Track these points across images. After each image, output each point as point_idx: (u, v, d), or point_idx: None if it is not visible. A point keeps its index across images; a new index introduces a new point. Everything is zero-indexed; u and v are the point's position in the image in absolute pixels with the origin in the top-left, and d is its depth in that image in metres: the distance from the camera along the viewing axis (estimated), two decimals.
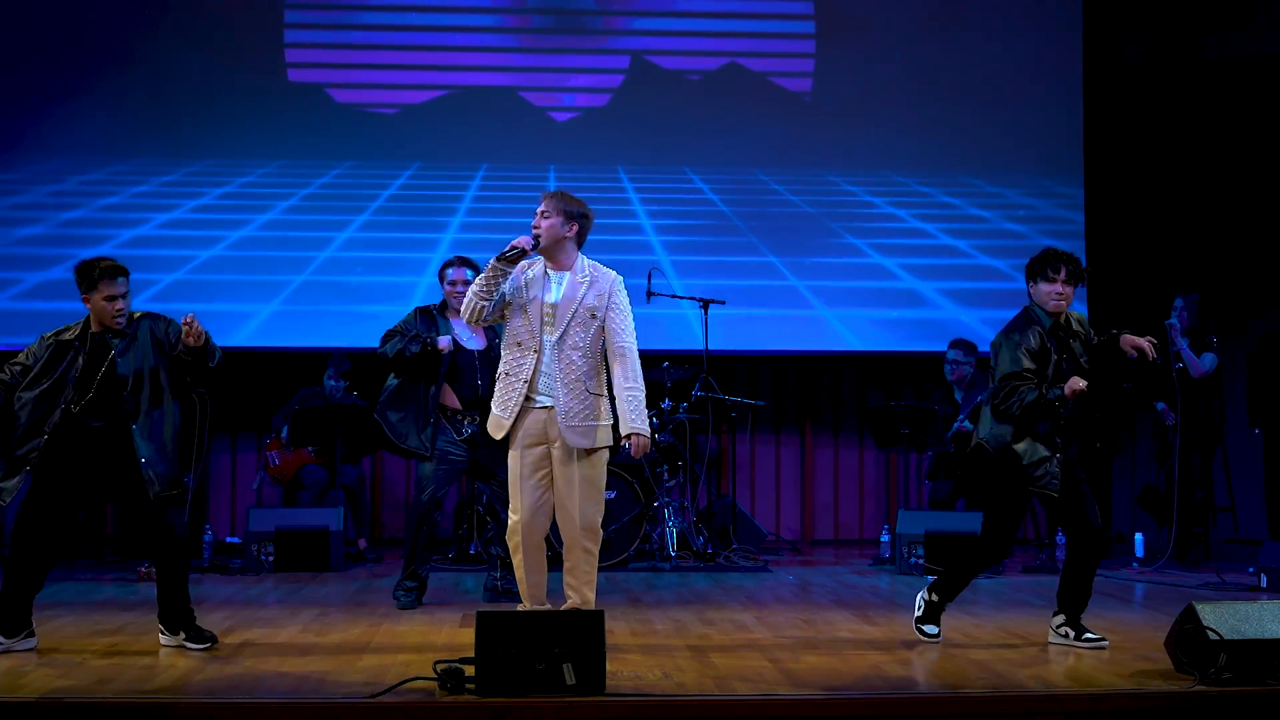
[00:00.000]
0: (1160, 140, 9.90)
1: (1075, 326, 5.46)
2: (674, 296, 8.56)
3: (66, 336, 5.38)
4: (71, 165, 9.51)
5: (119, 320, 5.32)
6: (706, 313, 8.44)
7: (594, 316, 5.23)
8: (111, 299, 5.29)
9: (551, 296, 5.22)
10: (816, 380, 10.06)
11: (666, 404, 8.34)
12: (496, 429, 5.26)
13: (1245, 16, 9.79)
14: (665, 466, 8.23)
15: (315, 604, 6.62)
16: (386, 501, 9.73)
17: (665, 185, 9.88)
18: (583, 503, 5.19)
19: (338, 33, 9.88)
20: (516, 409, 5.19)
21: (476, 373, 6.53)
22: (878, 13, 9.95)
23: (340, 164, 9.77)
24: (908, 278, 9.62)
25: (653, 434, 8.13)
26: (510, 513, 5.30)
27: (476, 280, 5.26)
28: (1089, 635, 5.37)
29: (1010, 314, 5.58)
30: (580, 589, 5.22)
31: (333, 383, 8.68)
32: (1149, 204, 9.88)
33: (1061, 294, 5.34)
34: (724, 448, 9.74)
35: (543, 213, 5.26)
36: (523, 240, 5.20)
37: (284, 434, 8.65)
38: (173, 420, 5.40)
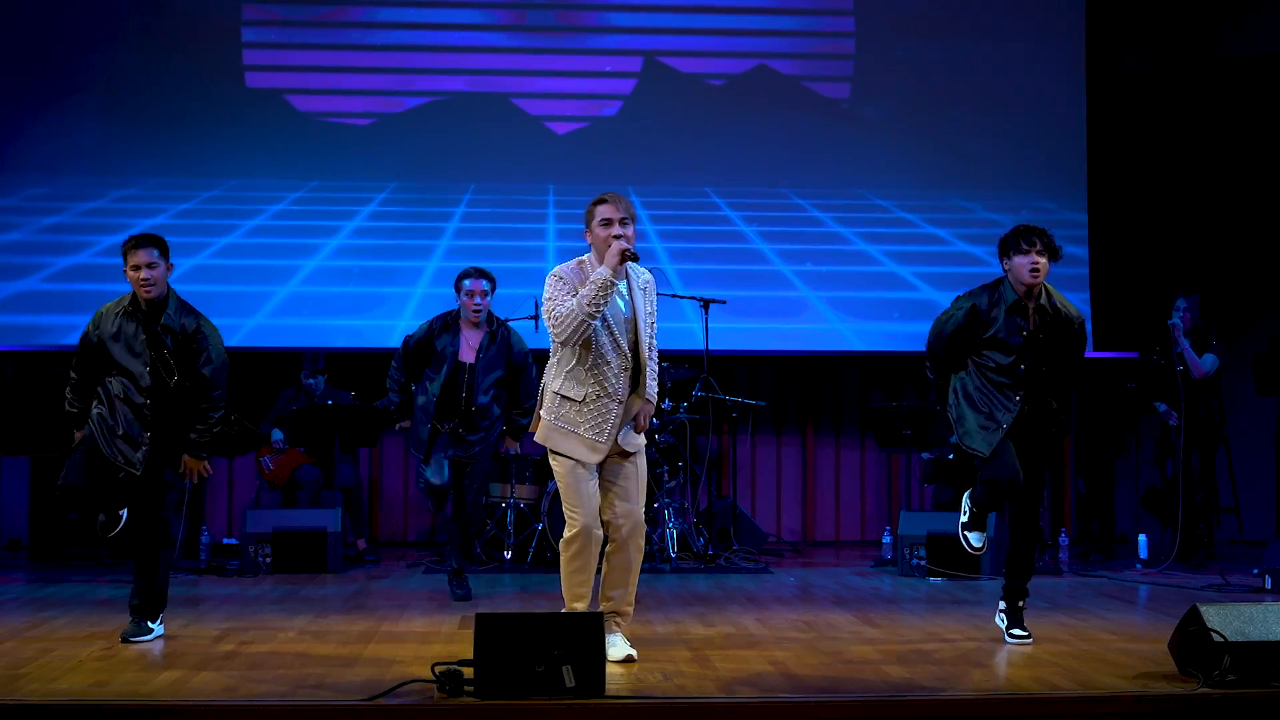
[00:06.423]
0: (1163, 140, 9.87)
1: (1048, 304, 5.39)
2: (675, 296, 8.52)
3: (122, 307, 5.47)
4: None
5: (148, 290, 5.38)
6: (707, 312, 8.40)
7: (651, 323, 5.19)
8: (136, 268, 5.38)
9: (624, 307, 5.07)
10: (817, 380, 10.03)
11: (667, 404, 8.31)
12: (593, 453, 5.00)
13: (1245, 17, 9.76)
14: (665, 467, 8.19)
15: (313, 605, 6.60)
16: (385, 502, 9.69)
17: (684, 209, 9.26)
18: (640, 502, 5.16)
19: (301, 30, 9.08)
20: (615, 432, 5.03)
21: (462, 386, 6.78)
22: (923, 8, 9.44)
23: (304, 184, 9.04)
24: (920, 282, 9.42)
25: (652, 434, 8.14)
26: (570, 516, 5.06)
27: (586, 299, 4.89)
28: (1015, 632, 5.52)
29: None
30: (630, 592, 5.17)
31: (311, 381, 8.64)
32: (1151, 204, 9.85)
33: (1037, 265, 5.30)
34: (724, 448, 9.71)
35: (622, 220, 4.98)
36: (626, 245, 4.98)
37: (275, 438, 8.61)
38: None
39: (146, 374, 5.38)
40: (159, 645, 5.45)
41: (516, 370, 6.94)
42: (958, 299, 5.52)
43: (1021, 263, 5.31)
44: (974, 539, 5.56)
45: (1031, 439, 5.43)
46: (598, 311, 4.92)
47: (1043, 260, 5.31)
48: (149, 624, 5.54)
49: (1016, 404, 5.34)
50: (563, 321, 4.94)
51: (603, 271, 4.92)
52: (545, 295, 5.04)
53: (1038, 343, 5.36)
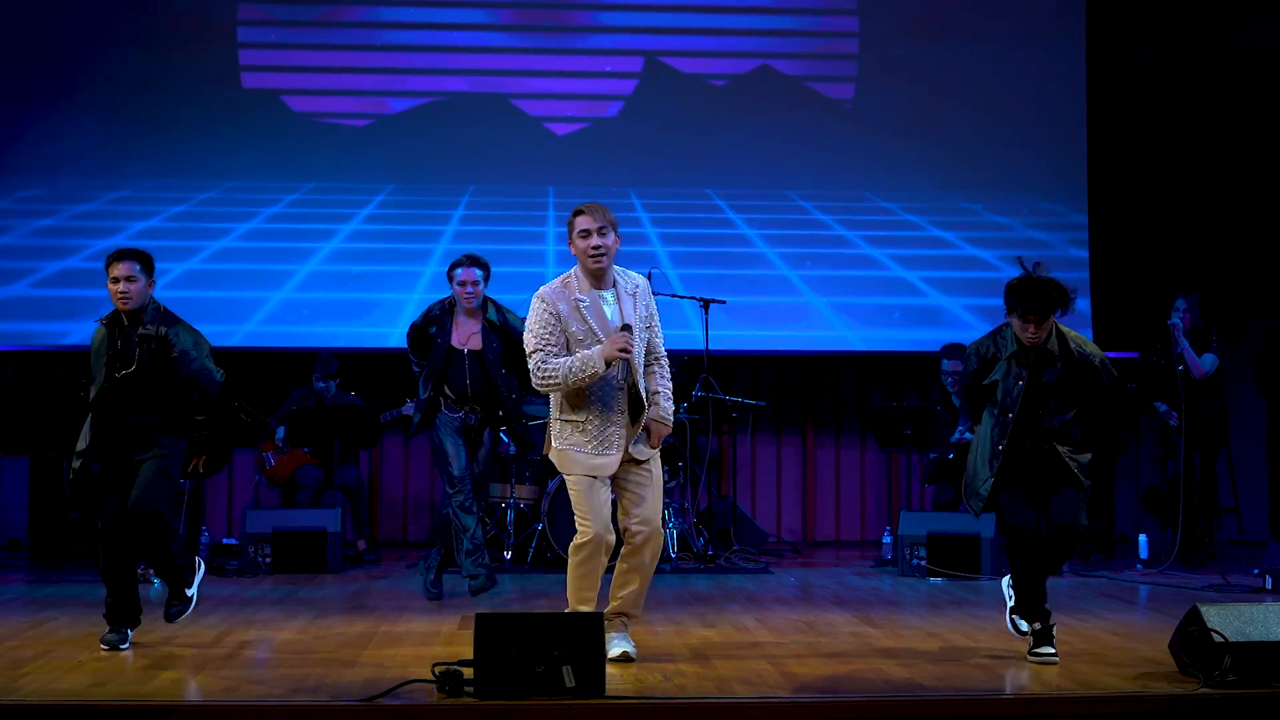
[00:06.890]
0: (1163, 140, 9.87)
1: (1055, 346, 5.15)
2: (674, 296, 8.51)
3: (104, 320, 5.50)
4: None
5: (124, 302, 5.41)
6: (707, 312, 8.39)
7: (648, 328, 5.18)
8: (115, 280, 5.42)
9: (611, 317, 5.03)
10: (817, 380, 10.02)
11: None
12: (603, 470, 5.00)
13: (1246, 16, 9.76)
14: (665, 467, 8.17)
15: (313, 606, 6.59)
16: (385, 502, 9.69)
17: (685, 211, 9.14)
18: (657, 509, 5.12)
19: (298, 30, 8.94)
20: (622, 449, 5.03)
21: (466, 374, 6.77)
22: (926, 8, 9.35)
23: (300, 186, 8.91)
24: (922, 285, 9.35)
25: None
26: (582, 524, 5.01)
27: (572, 374, 4.89)
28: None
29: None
30: (640, 596, 5.14)
31: (322, 384, 8.62)
32: (1151, 204, 9.85)
33: (1036, 336, 5.08)
34: (724, 448, 9.70)
35: (600, 230, 4.98)
36: (628, 347, 4.94)
37: (278, 435, 8.61)
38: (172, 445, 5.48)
39: (103, 374, 5.42)
40: (158, 646, 5.44)
41: (519, 349, 6.87)
42: (967, 349, 5.47)
43: (1018, 326, 5.13)
44: (1022, 625, 5.31)
45: (1038, 485, 5.22)
46: (584, 380, 4.93)
47: (1041, 329, 5.09)
48: (186, 592, 5.58)
49: (999, 451, 5.16)
50: (546, 379, 4.96)
51: (597, 365, 4.91)
52: (528, 324, 5.04)
53: (1038, 387, 5.17)
